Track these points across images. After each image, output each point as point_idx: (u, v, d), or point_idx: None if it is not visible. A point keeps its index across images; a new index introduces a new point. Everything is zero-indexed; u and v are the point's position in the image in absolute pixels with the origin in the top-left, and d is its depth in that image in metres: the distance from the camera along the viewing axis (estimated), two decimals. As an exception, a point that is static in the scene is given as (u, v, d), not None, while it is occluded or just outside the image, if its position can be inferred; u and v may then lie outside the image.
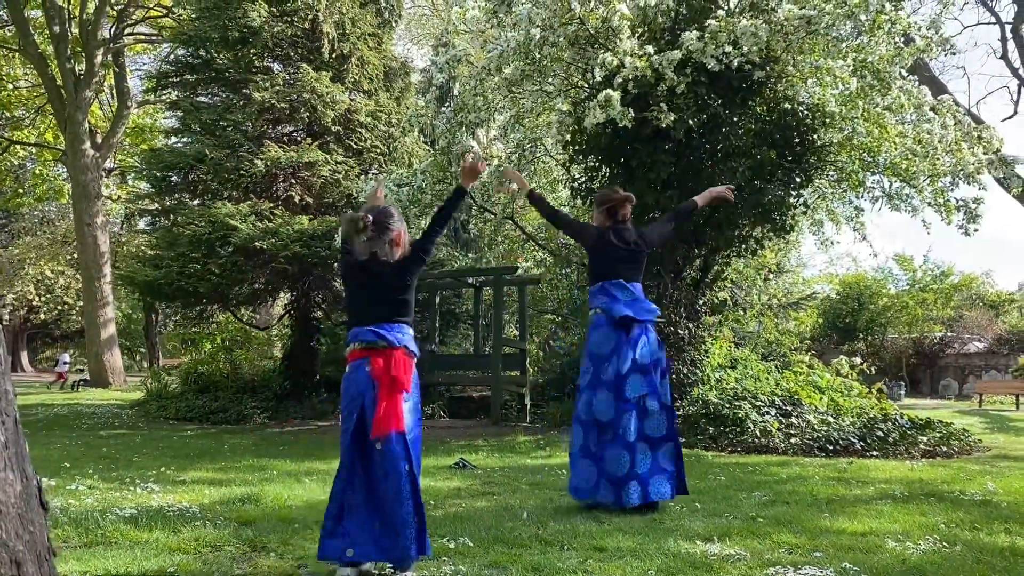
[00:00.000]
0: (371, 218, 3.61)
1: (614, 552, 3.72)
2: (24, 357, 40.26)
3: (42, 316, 35.76)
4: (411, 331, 3.64)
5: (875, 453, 8.36)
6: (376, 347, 3.50)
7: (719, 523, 4.40)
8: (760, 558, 3.58)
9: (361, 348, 3.53)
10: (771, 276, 16.03)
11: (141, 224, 23.68)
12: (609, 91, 8.17)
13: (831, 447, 8.50)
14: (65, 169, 28.22)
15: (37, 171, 32.49)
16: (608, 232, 5.11)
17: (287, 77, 14.36)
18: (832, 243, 12.95)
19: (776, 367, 11.79)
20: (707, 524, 4.37)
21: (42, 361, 45.67)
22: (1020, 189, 10.46)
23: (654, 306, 5.05)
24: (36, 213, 37.07)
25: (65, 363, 25.80)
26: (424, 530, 3.40)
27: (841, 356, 12.12)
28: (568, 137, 10.02)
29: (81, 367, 25.46)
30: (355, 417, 3.43)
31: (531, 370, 13.13)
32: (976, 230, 10.14)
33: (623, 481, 4.73)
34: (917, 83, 10.50)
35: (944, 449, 8.66)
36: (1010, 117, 37.86)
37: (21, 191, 33.15)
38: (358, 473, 3.39)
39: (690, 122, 8.95)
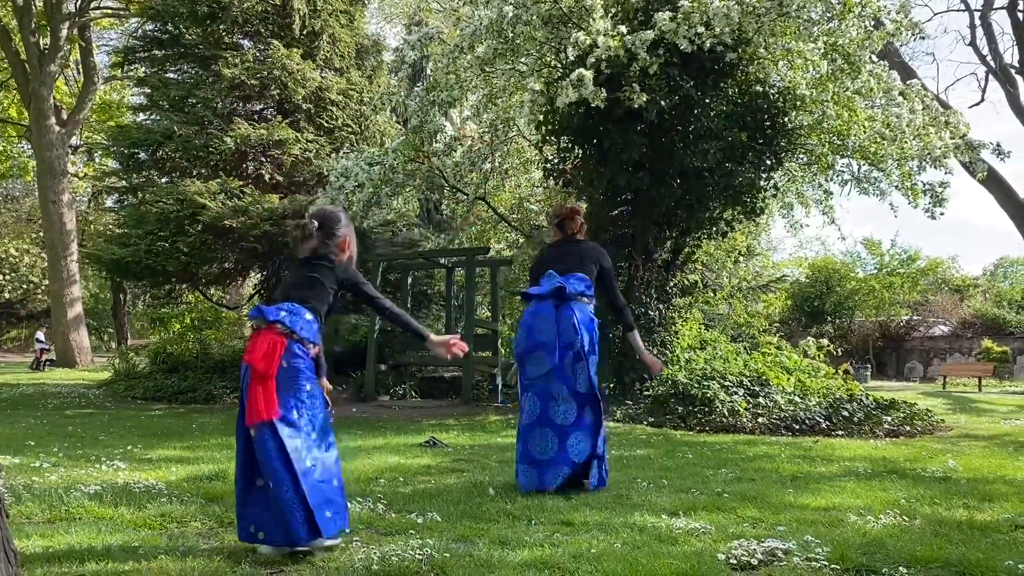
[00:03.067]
0: (316, 223, 3.54)
1: (581, 526, 3.75)
2: (-12, 337, 39.64)
3: (7, 295, 35.18)
4: (307, 314, 3.39)
5: (840, 432, 8.49)
6: (256, 328, 3.39)
7: (685, 499, 4.45)
8: (724, 531, 3.63)
9: (253, 329, 3.44)
10: (741, 259, 16.14)
11: (108, 202, 23.37)
12: (582, 70, 8.17)
13: (797, 426, 8.63)
14: (30, 146, 27.67)
15: (0, 148, 31.84)
16: (548, 249, 5.14)
17: (257, 54, 14.18)
18: (801, 226, 13.11)
19: (745, 348, 11.91)
20: (673, 499, 4.42)
21: (7, 342, 44.96)
22: (984, 174, 10.62)
23: (573, 285, 4.76)
24: (0, 191, 36.38)
25: (40, 341, 25.39)
26: (318, 510, 3.19)
27: (809, 338, 12.28)
28: (541, 117, 10.00)
29: (48, 346, 25.04)
30: (240, 400, 3.37)
31: (503, 351, 13.16)
32: (942, 213, 10.31)
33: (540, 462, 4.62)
34: (887, 68, 10.60)
35: (907, 429, 8.82)
36: (978, 103, 38.39)
37: (-16, 167, 32.48)
38: (245, 461, 3.32)
39: (662, 103, 8.98)
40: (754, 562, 3.11)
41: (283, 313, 3.34)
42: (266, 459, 3.19)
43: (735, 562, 3.11)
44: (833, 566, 3.05)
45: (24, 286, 34.57)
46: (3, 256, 33.17)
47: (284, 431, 3.21)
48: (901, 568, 3.01)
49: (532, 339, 4.73)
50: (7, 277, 33.59)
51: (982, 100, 36.86)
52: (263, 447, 3.21)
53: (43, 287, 32.42)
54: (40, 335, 25.89)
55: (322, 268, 3.52)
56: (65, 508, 3.94)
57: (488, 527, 3.70)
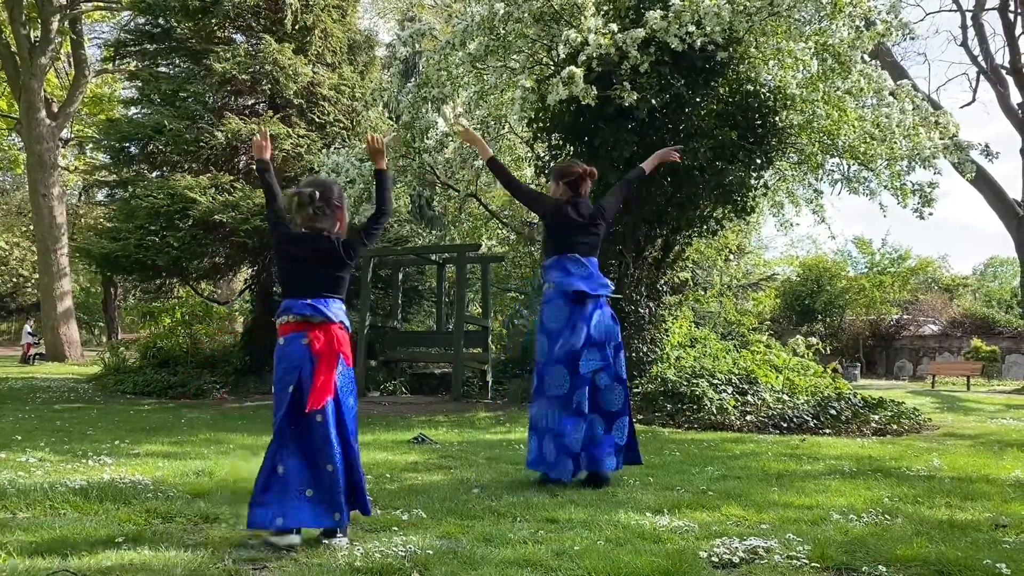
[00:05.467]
0: (318, 193, 3.61)
1: (565, 523, 3.77)
2: (-22, 330, 39.49)
3: (-4, 288, 35.04)
4: (344, 307, 3.67)
5: (828, 431, 8.53)
6: (311, 321, 3.52)
7: (670, 496, 4.47)
8: (707, 529, 3.66)
9: (295, 321, 3.54)
10: (732, 257, 16.17)
11: (99, 196, 23.25)
12: (572, 68, 8.17)
13: (785, 424, 8.66)
14: (20, 138, 27.53)
15: (-10, 140, 31.69)
16: (567, 206, 5.06)
17: (249, 48, 14.13)
18: (792, 225, 13.14)
19: (735, 346, 11.96)
20: (658, 497, 4.44)
21: (-4, 335, 44.74)
22: (973, 174, 10.67)
23: (608, 282, 5.10)
24: (-10, 184, 36.19)
25: (29, 334, 25.26)
26: (362, 492, 3.55)
27: (798, 336, 12.33)
28: (532, 114, 10.00)
29: (38, 340, 24.93)
30: (291, 390, 3.46)
31: (493, 347, 13.17)
32: (931, 214, 10.34)
33: (578, 454, 4.80)
34: (879, 67, 10.63)
35: (894, 427, 8.86)
36: (969, 104, 38.52)
37: (-26, 160, 32.31)
38: (289, 444, 3.44)
39: (653, 101, 8.99)
40: (735, 560, 3.13)
41: (337, 311, 3.59)
42: (328, 440, 3.45)
43: (717, 560, 3.13)
44: (813, 564, 3.08)
45: (14, 279, 34.44)
46: (-8, 249, 33.03)
47: (347, 415, 3.55)
48: (880, 567, 3.03)
49: (589, 337, 4.94)
50: (-3, 271, 33.47)
51: (973, 100, 37.04)
52: (328, 429, 3.46)
53: (33, 281, 32.31)
54: (28, 328, 25.77)
55: (339, 255, 3.61)
56: (49, 503, 3.94)
57: (473, 524, 3.72)
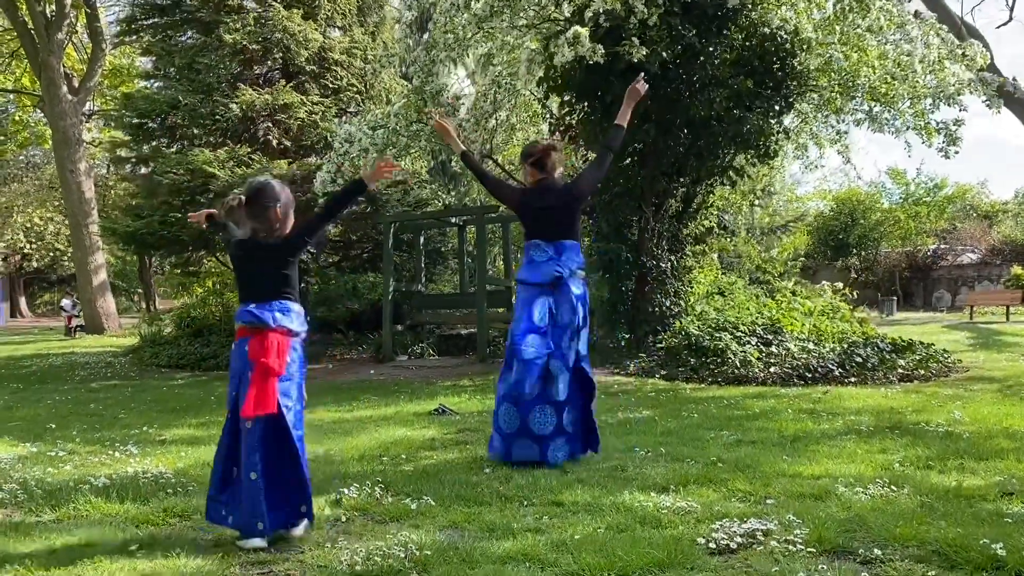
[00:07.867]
0: (243, 199, 3.64)
1: (570, 507, 3.81)
2: (23, 302, 40.49)
3: (35, 264, 35.74)
4: (295, 307, 3.60)
5: (853, 379, 8.46)
6: (254, 327, 3.53)
7: (679, 470, 4.48)
8: (710, 510, 3.67)
9: (243, 327, 3.57)
10: (758, 201, 15.93)
11: (125, 168, 23.48)
12: (577, 28, 8.00)
13: (810, 375, 8.61)
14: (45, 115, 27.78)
15: (17, 117, 32.00)
16: (528, 193, 5.05)
17: (258, 16, 14.04)
18: (817, 166, 12.90)
19: (764, 292, 11.86)
20: (667, 471, 4.46)
21: (40, 306, 45.86)
22: (999, 110, 10.30)
23: (574, 262, 4.94)
24: (21, 159, 36.69)
25: (69, 306, 25.78)
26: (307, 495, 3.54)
27: (824, 283, 12.17)
28: (541, 74, 9.84)
29: (78, 311, 25.46)
30: (234, 395, 3.55)
31: (518, 306, 13.19)
32: (956, 152, 10.08)
33: (508, 436, 4.88)
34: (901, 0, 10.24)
35: (922, 372, 8.78)
36: (1006, 23, 37.19)
37: (3, 137, 32.70)
38: (232, 448, 3.55)
39: (664, 54, 8.80)
40: (733, 545, 3.15)
41: (279, 315, 3.56)
42: (262, 447, 3.45)
43: (714, 546, 3.15)
44: (809, 549, 3.09)
45: (51, 253, 35.06)
46: (29, 225, 33.62)
47: (290, 419, 3.50)
48: (876, 549, 3.03)
49: (531, 323, 4.83)
50: (34, 246, 34.08)
51: (1010, 20, 35.65)
52: (260, 437, 3.45)
53: (69, 254, 32.92)
54: (65, 302, 26.28)
55: (276, 255, 3.62)
56: (73, 506, 4.07)
57: (480, 511, 3.78)
